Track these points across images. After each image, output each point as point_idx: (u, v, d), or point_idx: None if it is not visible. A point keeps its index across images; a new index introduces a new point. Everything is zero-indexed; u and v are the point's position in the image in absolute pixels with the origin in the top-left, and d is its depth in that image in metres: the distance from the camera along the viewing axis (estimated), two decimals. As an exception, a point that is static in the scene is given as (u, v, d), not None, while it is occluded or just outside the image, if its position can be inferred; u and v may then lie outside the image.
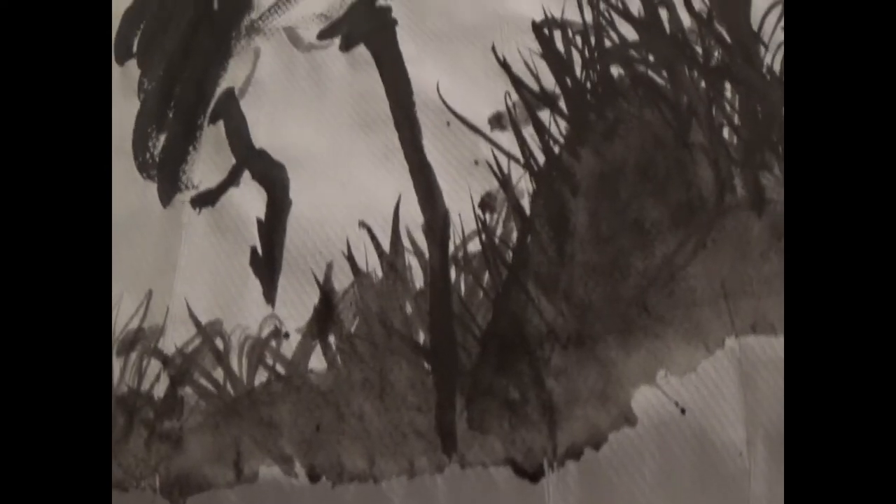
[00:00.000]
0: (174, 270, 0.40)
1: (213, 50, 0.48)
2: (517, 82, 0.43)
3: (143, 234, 0.43)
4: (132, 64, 0.50)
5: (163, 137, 0.46)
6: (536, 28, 0.45)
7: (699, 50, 0.45)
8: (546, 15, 0.46)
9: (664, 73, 0.44)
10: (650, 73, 0.44)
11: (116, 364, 0.39)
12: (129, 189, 0.44)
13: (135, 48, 0.50)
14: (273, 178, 0.42)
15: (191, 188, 0.43)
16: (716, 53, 0.45)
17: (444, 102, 0.43)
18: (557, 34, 0.45)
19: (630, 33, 0.46)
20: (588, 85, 0.44)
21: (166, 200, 0.43)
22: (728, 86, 0.43)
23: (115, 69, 0.50)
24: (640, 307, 0.37)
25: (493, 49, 0.45)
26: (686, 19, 0.46)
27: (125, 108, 0.47)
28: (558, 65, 0.44)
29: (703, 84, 0.44)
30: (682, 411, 0.35)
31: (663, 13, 0.47)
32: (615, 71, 0.44)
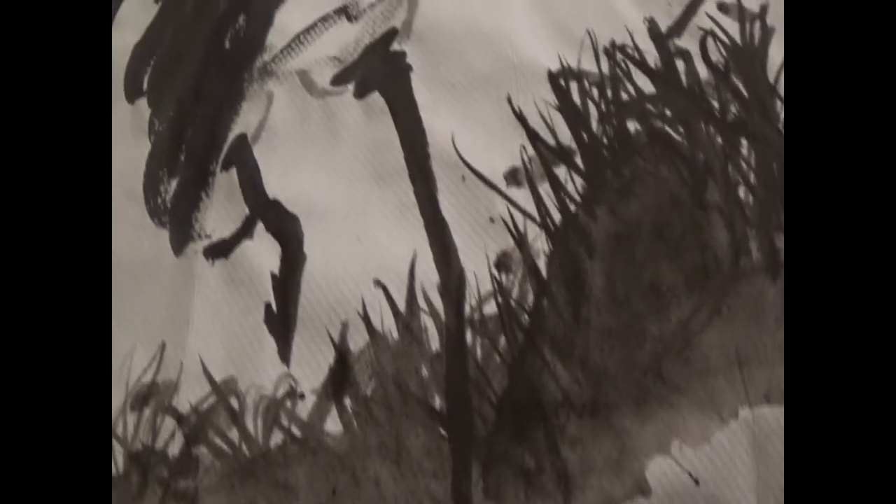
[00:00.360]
0: (188, 324, 0.40)
1: (225, 92, 0.47)
2: (533, 135, 0.43)
3: (154, 283, 0.42)
4: (142, 103, 0.49)
5: (174, 182, 0.45)
6: (552, 78, 0.45)
7: (716, 104, 0.45)
8: (562, 64, 0.46)
9: (681, 129, 0.44)
10: (667, 128, 0.44)
11: (130, 419, 0.39)
12: (141, 235, 0.44)
13: (145, 86, 0.50)
14: (287, 230, 0.42)
15: (203, 237, 0.43)
16: (732, 108, 0.45)
17: (460, 156, 0.43)
18: (574, 85, 0.45)
19: (647, 85, 0.45)
20: (604, 140, 0.44)
21: (178, 249, 0.43)
22: (744, 142, 0.44)
23: (126, 107, 0.49)
24: (656, 375, 0.37)
25: (509, 100, 0.45)
26: (703, 71, 0.46)
27: (136, 150, 0.47)
28: (575, 118, 0.44)
29: (719, 140, 0.44)
30: (696, 482, 0.35)
31: (680, 64, 0.47)
32: (632, 126, 0.44)
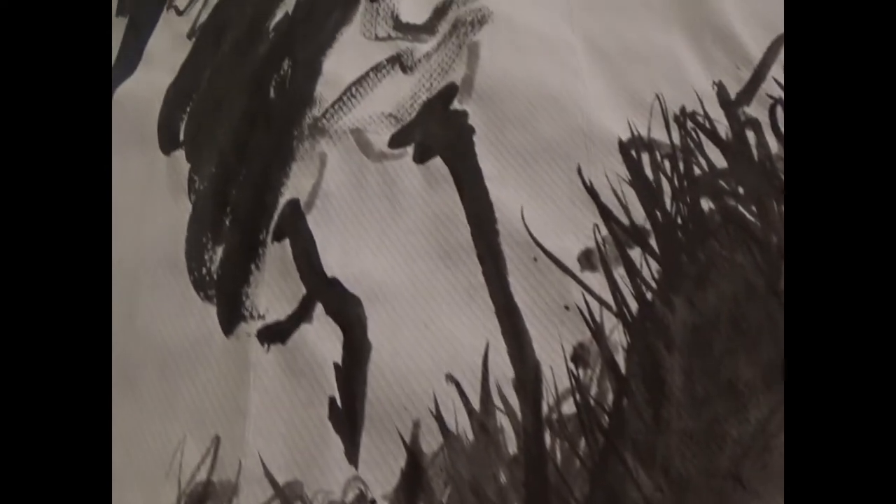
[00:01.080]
0: (244, 418, 0.38)
1: (272, 150, 0.44)
2: (606, 213, 0.41)
3: (204, 366, 0.40)
4: (180, 156, 0.46)
5: (220, 250, 0.43)
6: (623, 149, 0.43)
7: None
8: (633, 133, 0.43)
9: (753, 208, 0.42)
10: (740, 207, 0.42)
11: (186, 521, 0.37)
12: (186, 311, 0.41)
13: (181, 135, 0.46)
14: (349, 315, 0.39)
15: (256, 318, 0.40)
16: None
17: (531, 234, 0.41)
18: (645, 157, 0.43)
19: (718, 158, 0.44)
20: (678, 220, 0.42)
21: (229, 328, 0.40)
22: (817, 223, 0.42)
23: (161, 159, 0.46)
24: (736, 480, 0.36)
25: (579, 171, 0.42)
26: (773, 143, 0.44)
27: (175, 210, 0.44)
28: (648, 194, 0.42)
29: (793, 221, 0.43)
30: None
31: (751, 135, 0.45)
32: (705, 204, 0.42)
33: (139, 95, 0.49)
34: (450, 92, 0.44)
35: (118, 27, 0.52)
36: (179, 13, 0.51)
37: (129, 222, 0.45)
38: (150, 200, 0.45)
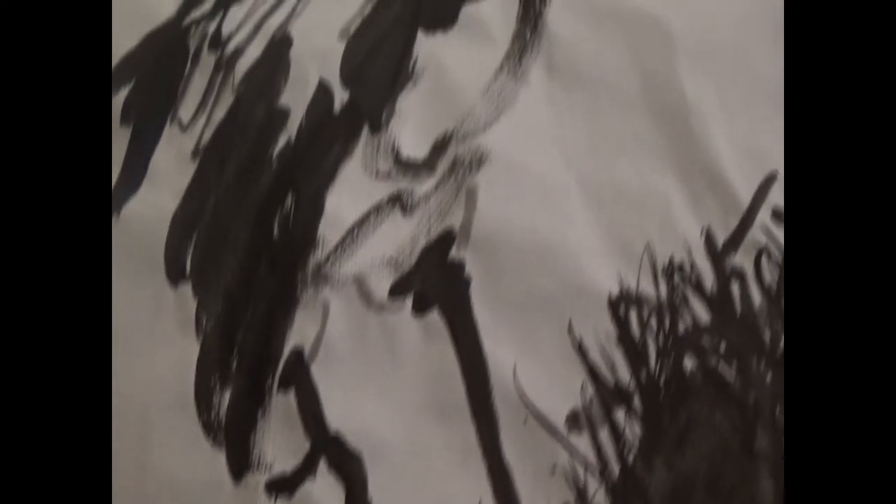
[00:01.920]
0: (254, 575, 0.41)
1: (277, 294, 0.46)
2: (593, 373, 0.44)
3: (214, 513, 0.43)
4: (187, 290, 0.47)
5: (227, 394, 0.45)
6: (613, 305, 0.45)
7: (768, 335, 0.46)
8: (621, 288, 0.45)
9: (734, 365, 0.45)
10: (721, 364, 0.45)
11: None
12: (196, 455, 0.44)
13: (188, 267, 0.48)
14: (352, 471, 0.42)
15: (264, 469, 0.43)
16: (782, 340, 0.46)
17: (523, 394, 0.43)
18: (633, 313, 0.45)
19: (703, 313, 0.46)
20: (662, 379, 0.44)
21: (238, 475, 0.43)
22: (793, 379, 0.45)
23: (169, 293, 0.48)
24: None
25: (570, 328, 0.44)
26: (756, 297, 0.46)
27: (184, 348, 0.46)
28: (634, 354, 0.44)
29: (769, 377, 0.45)
30: None
31: (735, 287, 0.47)
32: (688, 362, 0.44)
33: (145, 217, 0.51)
34: (448, 239, 0.46)
35: (121, 137, 0.53)
36: (183, 128, 0.52)
37: (138, 355, 0.47)
38: (158, 334, 0.47)
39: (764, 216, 0.49)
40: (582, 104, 0.49)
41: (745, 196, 0.49)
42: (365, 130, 0.50)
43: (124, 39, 0.57)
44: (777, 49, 0.49)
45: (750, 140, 0.49)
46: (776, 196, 0.47)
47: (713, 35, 0.51)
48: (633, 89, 0.49)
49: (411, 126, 0.49)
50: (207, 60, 0.54)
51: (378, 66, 0.51)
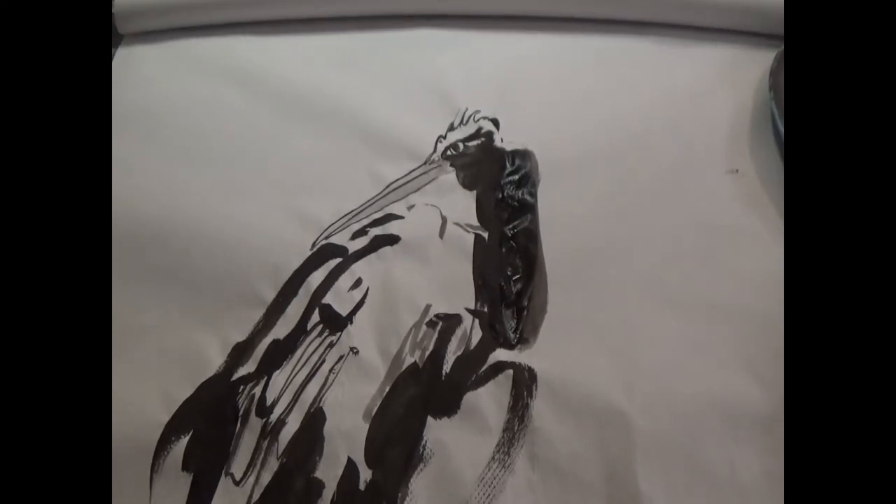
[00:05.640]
0: None
1: None
2: None
3: None
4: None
5: None
6: None
7: None
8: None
9: None
10: None
11: None
12: None
13: None
14: None
15: None
16: None
17: None
18: None
19: None
20: None
21: None
22: None
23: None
24: None
25: None
26: None
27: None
28: None
29: None
30: None
31: None
32: None
33: None
34: None
35: (183, 484, 0.65)
36: (236, 482, 0.64)
37: None
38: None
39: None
40: (558, 494, 0.63)
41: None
42: (384, 508, 0.63)
43: (179, 389, 0.69)
44: (723, 440, 0.61)
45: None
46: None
47: (668, 428, 0.63)
48: (599, 482, 0.63)
49: (420, 508, 0.63)
50: (255, 424, 0.67)
51: (395, 450, 0.64)
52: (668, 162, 0.83)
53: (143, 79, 0.97)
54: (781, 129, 0.80)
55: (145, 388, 0.70)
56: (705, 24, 0.94)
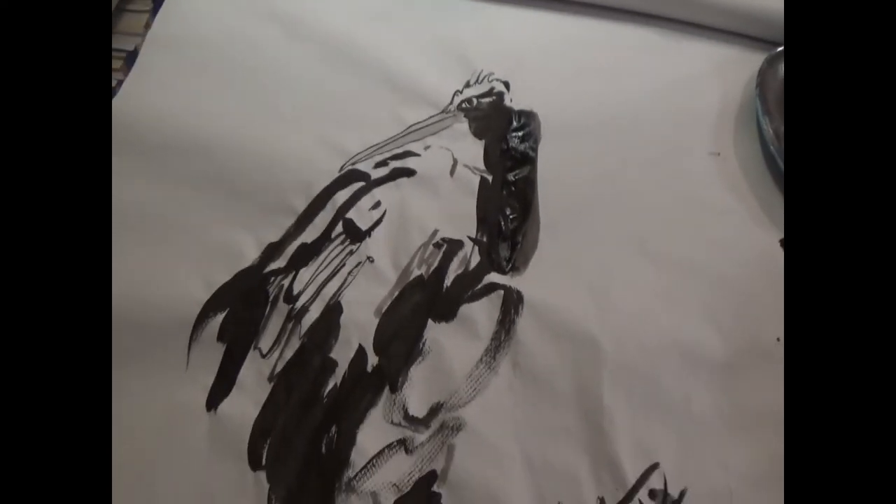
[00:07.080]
0: None
1: (322, 494, 0.72)
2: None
3: None
4: (262, 476, 0.73)
5: (285, 554, 0.72)
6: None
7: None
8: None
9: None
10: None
11: None
12: None
13: (264, 460, 0.73)
14: None
15: None
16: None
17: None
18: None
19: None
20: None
21: None
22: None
23: (250, 474, 0.73)
24: None
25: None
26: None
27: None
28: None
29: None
30: None
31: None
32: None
33: (234, 417, 0.75)
34: (432, 477, 0.73)
35: (217, 351, 0.77)
36: (262, 355, 0.76)
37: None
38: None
39: (643, 494, 0.75)
40: (533, 397, 0.76)
41: (632, 478, 0.75)
42: (386, 390, 0.75)
43: (218, 275, 0.82)
44: (682, 375, 0.73)
45: (644, 440, 0.75)
46: (655, 481, 0.73)
47: (634, 358, 0.75)
48: (569, 392, 0.76)
49: (417, 393, 0.75)
50: (282, 309, 0.79)
51: (399, 343, 0.76)
52: (658, 138, 0.96)
53: (199, 12, 1.09)
54: (763, 123, 0.93)
55: (189, 274, 0.84)
56: (707, 23, 1.06)
